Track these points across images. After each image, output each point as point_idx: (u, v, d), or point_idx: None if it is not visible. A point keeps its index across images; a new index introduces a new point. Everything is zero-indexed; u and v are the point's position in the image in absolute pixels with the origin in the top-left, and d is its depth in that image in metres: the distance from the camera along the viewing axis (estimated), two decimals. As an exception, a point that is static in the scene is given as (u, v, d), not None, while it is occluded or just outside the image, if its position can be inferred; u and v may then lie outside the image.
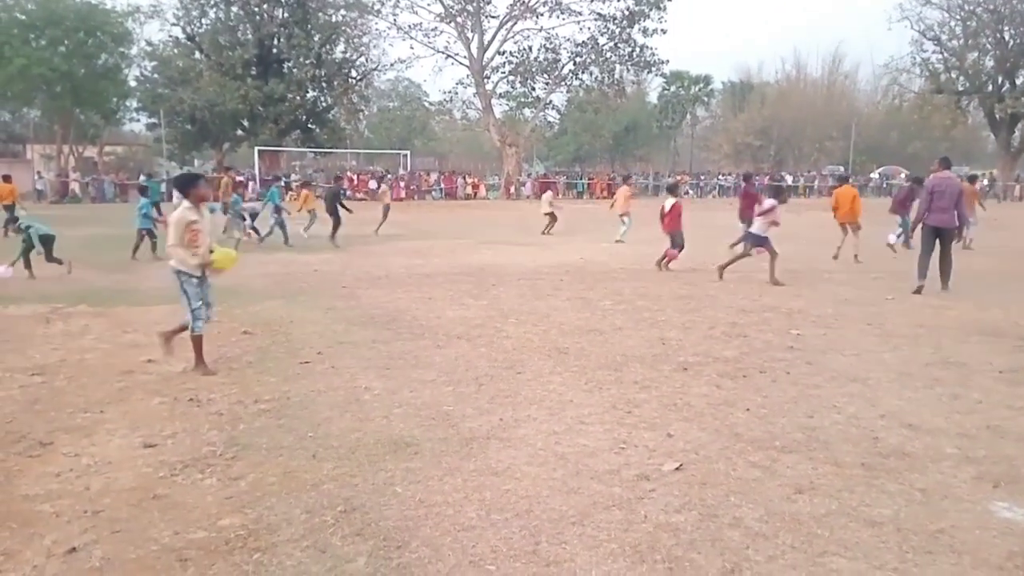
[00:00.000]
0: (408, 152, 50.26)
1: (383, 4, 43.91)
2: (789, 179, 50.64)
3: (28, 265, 11.65)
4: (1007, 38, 49.87)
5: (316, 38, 44.51)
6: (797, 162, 60.94)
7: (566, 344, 7.10)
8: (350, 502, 3.67)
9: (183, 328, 6.22)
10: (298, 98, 44.18)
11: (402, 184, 41.24)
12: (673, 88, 68.10)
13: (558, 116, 58.86)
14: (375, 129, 64.75)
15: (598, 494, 3.77)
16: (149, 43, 44.51)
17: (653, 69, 47.63)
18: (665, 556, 3.16)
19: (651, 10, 43.95)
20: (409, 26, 44.83)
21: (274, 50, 44.47)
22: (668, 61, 47.11)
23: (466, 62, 45.76)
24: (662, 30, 44.57)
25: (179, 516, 3.56)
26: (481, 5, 44.47)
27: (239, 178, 23.75)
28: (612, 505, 3.64)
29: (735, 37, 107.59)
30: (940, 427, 4.81)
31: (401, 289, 10.45)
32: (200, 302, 6.06)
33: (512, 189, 44.72)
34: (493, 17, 45.37)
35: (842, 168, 54.36)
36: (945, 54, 52.48)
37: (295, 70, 44.14)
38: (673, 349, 6.96)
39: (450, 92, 48.17)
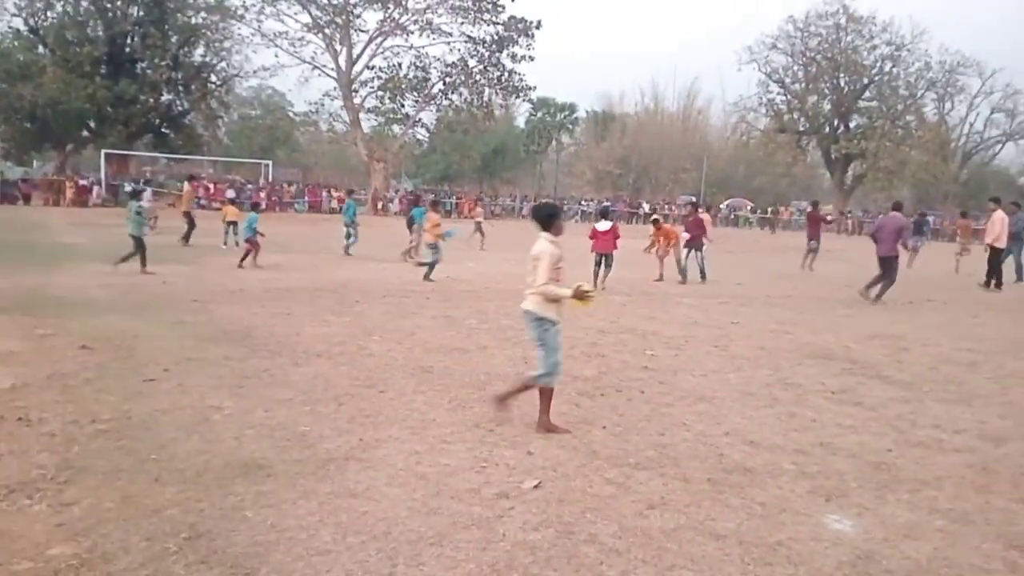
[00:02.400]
0: (270, 162, 48.66)
1: (247, 9, 42.45)
2: (646, 207, 52.92)
3: None
4: (842, 84, 54.60)
5: (174, 39, 42.42)
6: (654, 191, 63.77)
7: (430, 362, 7.06)
8: (195, 528, 3.48)
9: (527, 387, 5.34)
10: (151, 100, 41.85)
11: (262, 195, 39.84)
12: (540, 114, 69.75)
13: (427, 134, 58.85)
14: (235, 137, 62.29)
15: (457, 514, 3.76)
16: (-15, 33, 40.97)
17: (521, 94, 48.59)
18: (522, 574, 3.19)
19: (520, 37, 44.90)
20: (274, 34, 43.53)
21: (127, 49, 41.95)
22: (535, 87, 48.25)
23: (334, 74, 44.97)
24: (530, 57, 45.62)
25: (2, 546, 3.25)
26: (350, 19, 43.92)
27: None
28: (471, 524, 3.64)
29: (598, 66, 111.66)
30: (778, 444, 5.14)
31: (258, 304, 10.06)
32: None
33: (380, 205, 44.20)
34: (363, 31, 44.92)
35: (694, 198, 57.46)
36: (788, 96, 56.77)
37: (149, 71, 41.81)
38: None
39: (317, 104, 47.16)
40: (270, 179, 45.39)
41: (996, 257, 16.43)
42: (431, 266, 13.89)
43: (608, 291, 12.79)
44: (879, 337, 9.59)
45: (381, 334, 8.36)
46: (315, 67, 44.78)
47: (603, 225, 14.02)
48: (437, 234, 14.17)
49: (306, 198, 43.72)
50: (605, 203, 21.88)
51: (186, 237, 18.47)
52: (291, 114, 58.49)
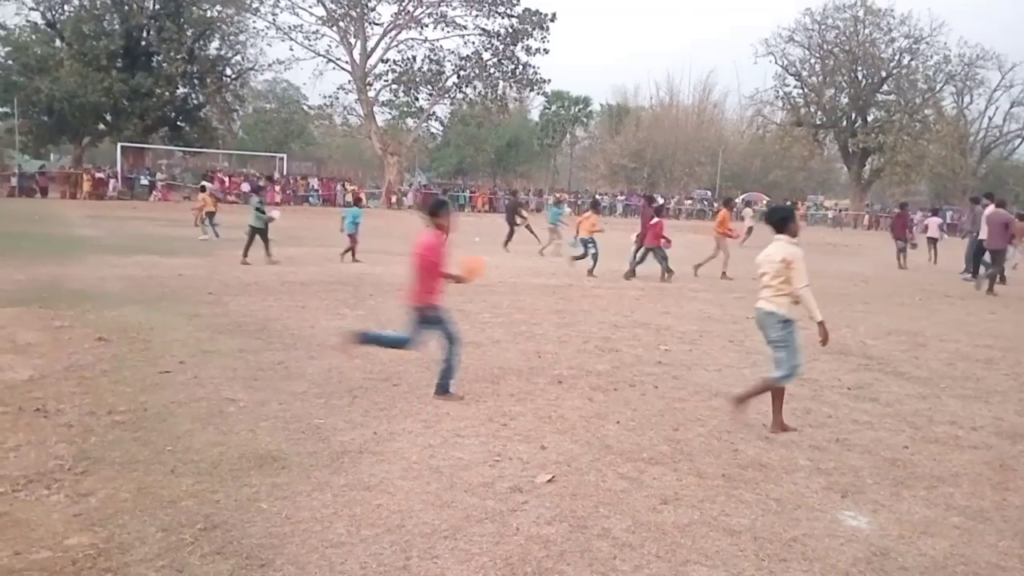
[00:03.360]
0: (284, 155, 48.85)
1: (262, 3, 42.60)
2: (661, 200, 52.74)
3: None
4: (860, 78, 54.03)
5: (189, 32, 42.59)
6: (668, 185, 63.51)
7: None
8: (211, 519, 3.50)
9: (767, 388, 5.39)
10: (167, 94, 42.03)
11: (277, 188, 40.02)
12: (554, 107, 69.55)
13: (441, 128, 58.96)
14: (250, 130, 62.56)
15: (471, 507, 3.76)
16: (3, 27, 41.24)
17: (535, 87, 48.50)
18: (536, 568, 3.19)
19: (534, 30, 44.79)
20: (289, 27, 43.69)
21: (143, 42, 42.19)
22: (550, 80, 48.14)
23: (348, 67, 45.05)
24: (544, 50, 45.51)
25: (21, 535, 3.28)
26: (365, 12, 43.96)
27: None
28: (485, 518, 3.65)
29: (613, 60, 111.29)
30: (793, 439, 5.11)
31: (272, 297, 10.11)
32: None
33: (393, 198, 44.29)
34: (377, 24, 45.00)
35: (709, 192, 57.22)
36: (805, 89, 56.25)
37: (165, 64, 41.99)
38: (548, 362, 7.07)
39: (331, 97, 47.30)
40: (285, 172, 45.54)
41: (978, 250, 16.50)
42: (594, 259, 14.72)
43: (621, 287, 12.74)
44: (896, 333, 9.52)
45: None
46: (329, 60, 44.95)
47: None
48: (592, 231, 14.95)
49: (318, 191, 43.81)
50: (652, 195, 22.94)
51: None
52: (305, 107, 58.69)
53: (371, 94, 46.01)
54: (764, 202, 55.50)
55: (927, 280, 16.75)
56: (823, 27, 53.50)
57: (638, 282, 13.77)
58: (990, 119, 64.41)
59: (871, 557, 3.45)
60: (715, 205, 54.14)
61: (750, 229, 25.07)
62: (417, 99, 48.23)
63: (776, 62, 55.03)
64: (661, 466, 4.49)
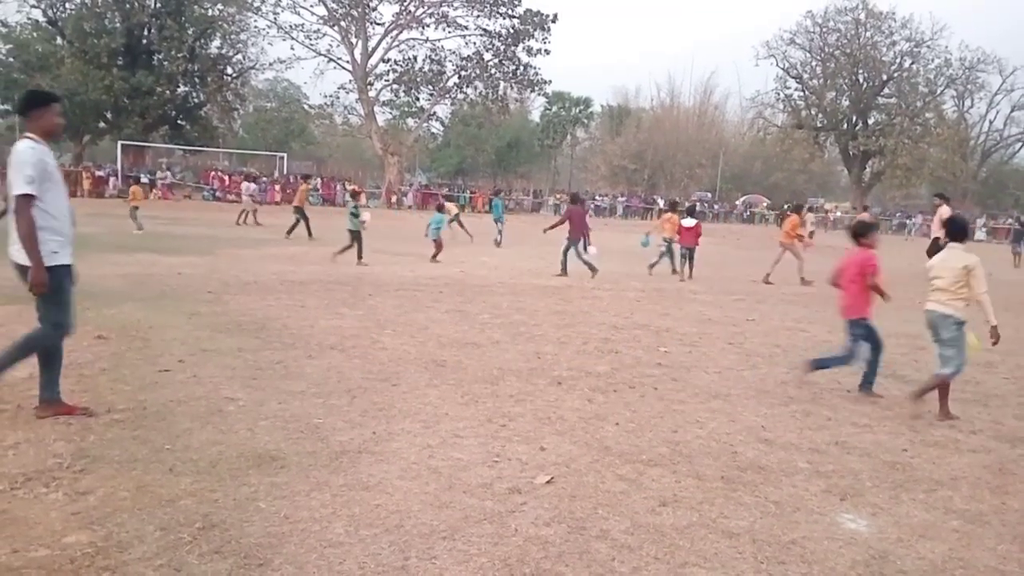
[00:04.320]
0: (285, 155, 48.85)
1: (263, 1, 42.62)
2: (661, 203, 52.74)
3: None
4: (861, 80, 54.06)
5: (190, 31, 42.61)
6: (669, 186, 63.52)
7: (443, 357, 7.07)
8: (209, 518, 3.49)
9: (938, 383, 5.92)
10: (168, 92, 42.06)
11: (276, 188, 40.03)
12: (555, 108, 69.55)
13: (442, 128, 58.97)
14: (250, 129, 62.57)
15: (470, 508, 3.76)
16: (5, 24, 41.28)
17: (536, 88, 48.53)
18: (534, 569, 3.19)
19: (535, 30, 44.81)
20: (290, 26, 43.72)
21: (144, 40, 42.21)
22: (551, 81, 48.17)
23: (349, 67, 45.07)
24: (545, 50, 45.53)
25: (19, 533, 3.27)
26: (366, 11, 43.99)
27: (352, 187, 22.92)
28: (483, 519, 3.64)
29: (614, 61, 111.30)
30: (793, 442, 5.11)
31: (272, 296, 10.11)
32: None
33: (393, 198, 44.31)
34: (378, 24, 45.03)
35: (709, 195, 57.20)
36: (806, 92, 56.28)
37: (166, 63, 42.02)
38: (548, 363, 7.06)
39: (331, 96, 47.33)
40: (285, 171, 45.53)
41: (934, 248, 16.62)
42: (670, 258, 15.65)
43: (621, 287, 12.77)
44: (895, 336, 9.50)
45: (394, 327, 8.37)
46: (331, 60, 44.98)
47: (689, 222, 15.54)
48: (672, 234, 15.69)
49: (319, 190, 43.80)
50: (694, 201, 23.65)
51: (307, 231, 20.04)
52: (306, 107, 58.66)
53: (372, 94, 46.05)
54: (764, 204, 55.61)
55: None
56: (824, 30, 53.54)
57: (637, 283, 13.77)
58: (991, 123, 64.60)
59: (870, 560, 3.45)
60: (712, 206, 54.16)
61: (811, 234, 25.33)
62: (418, 99, 48.29)
63: (777, 64, 55.13)
64: (660, 468, 4.49)
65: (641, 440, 4.98)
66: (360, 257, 14.72)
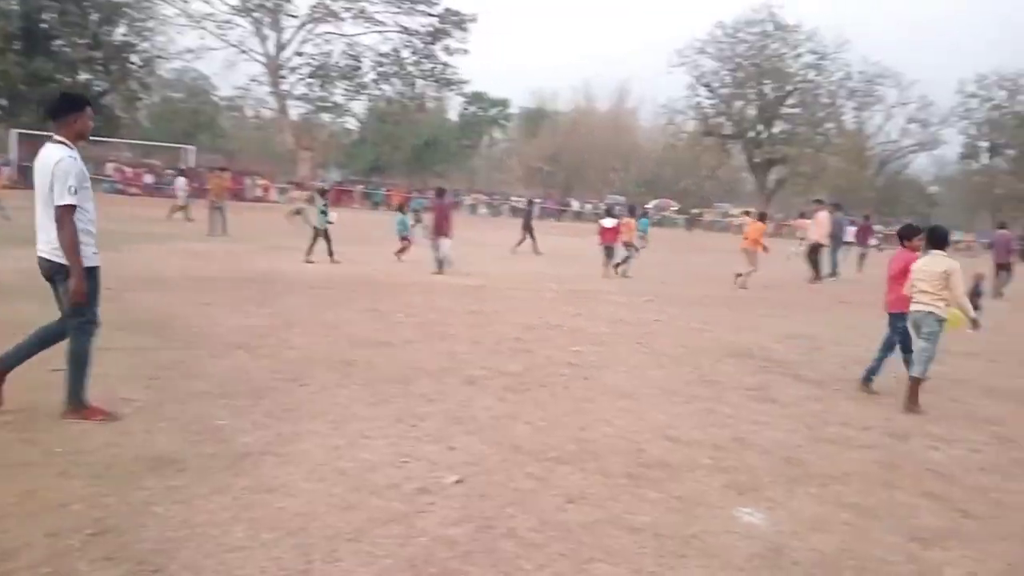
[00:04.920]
0: (193, 147, 47.17)
1: (172, -12, 41.14)
2: (575, 205, 53.47)
3: None
4: (767, 90, 56.21)
5: (94, 17, 40.73)
6: (583, 189, 64.36)
7: (354, 356, 6.96)
8: (101, 523, 3.34)
9: (919, 381, 6.52)
10: (68, 80, 40.03)
11: (185, 181, 38.59)
12: (473, 108, 69.49)
13: (357, 124, 58.08)
14: (156, 120, 60.03)
15: (377, 509, 3.71)
16: None
17: (454, 87, 48.61)
18: (440, 569, 3.17)
19: (454, 29, 44.76)
20: (200, 15, 42.30)
21: (43, 25, 40.02)
22: (469, 81, 48.25)
23: (262, 59, 43.98)
24: (464, 50, 45.58)
25: None
26: (280, 3, 42.97)
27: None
28: (390, 520, 3.60)
29: (532, 64, 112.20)
30: (696, 439, 5.25)
31: (176, 293, 9.73)
32: None
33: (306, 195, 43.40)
34: (293, 16, 44.06)
35: (623, 198, 58.28)
36: (715, 100, 58.11)
37: (67, 49, 39.98)
38: (461, 363, 7.05)
39: (243, 89, 46.05)
40: (192, 165, 43.95)
41: (817, 254, 18.30)
42: (627, 261, 16.49)
43: (537, 286, 12.89)
44: (795, 337, 9.92)
45: (304, 326, 8.20)
46: (242, 51, 43.74)
47: (609, 222, 16.53)
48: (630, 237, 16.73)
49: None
50: (611, 204, 25.24)
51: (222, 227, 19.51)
52: (216, 98, 56.82)
53: (285, 87, 45.07)
54: (672, 208, 57.04)
55: (825, 286, 17.51)
56: (734, 40, 55.44)
57: (553, 284, 13.89)
58: (887, 134, 68.11)
59: (765, 553, 3.57)
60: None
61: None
62: (333, 94, 47.46)
63: (688, 73, 56.69)
64: (568, 465, 4.54)
65: (551, 438, 5.03)
66: (331, 255, 14.83)
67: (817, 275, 18.21)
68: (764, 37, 54.79)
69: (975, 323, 6.70)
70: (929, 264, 6.56)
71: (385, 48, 45.58)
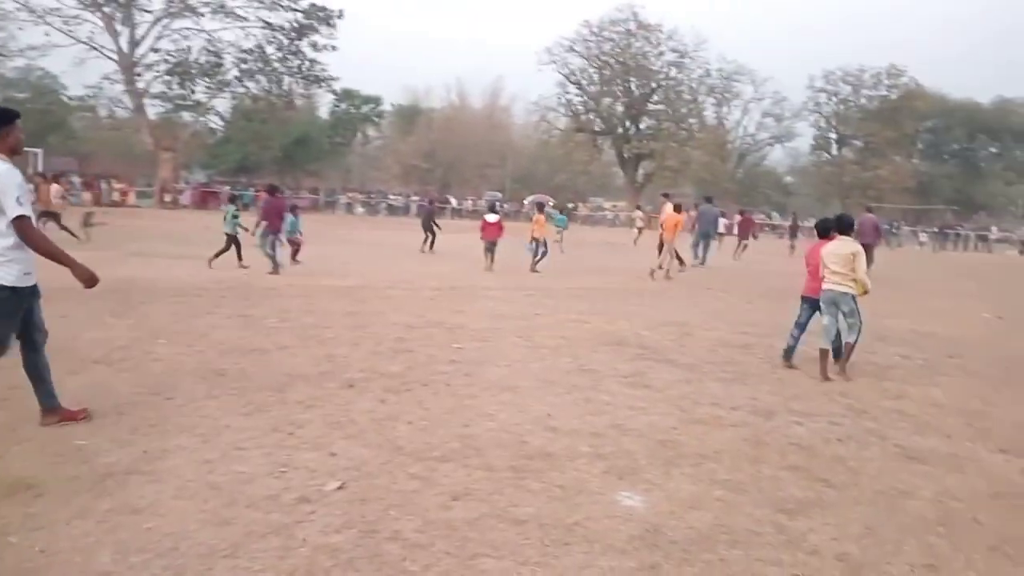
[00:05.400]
0: (40, 150, 43.84)
1: (11, -19, 38.02)
2: (454, 202, 53.45)
3: None
4: (633, 88, 58.08)
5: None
6: (461, 186, 64.46)
7: (224, 365, 6.68)
8: (-57, 562, 3.06)
9: (852, 348, 7.50)
10: None
11: (31, 187, 35.87)
12: (344, 105, 68.11)
13: (222, 123, 55.67)
14: (-2, 121, 55.45)
15: (254, 522, 3.58)
16: None
17: (323, 84, 47.41)
18: (323, 579, 3.10)
19: (321, 25, 43.68)
20: (44, 10, 39.28)
21: None
22: (338, 78, 47.24)
23: (115, 56, 41.33)
24: (332, 46, 44.55)
25: None
26: (132, -4, 40.60)
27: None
28: (269, 532, 3.48)
29: (404, 61, 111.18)
30: (576, 428, 5.37)
31: (25, 307, 9.02)
32: None
33: (167, 197, 41.27)
34: (147, 11, 41.65)
35: (499, 194, 58.81)
36: (585, 97, 59.52)
37: None
38: (340, 366, 6.90)
39: (95, 88, 43.13)
40: (40, 169, 40.89)
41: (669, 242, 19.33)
42: (543, 256, 17.30)
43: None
44: (666, 324, 10.31)
45: (169, 336, 7.79)
46: (93, 48, 40.95)
47: (492, 217, 17.16)
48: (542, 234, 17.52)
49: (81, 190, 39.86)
50: (492, 201, 28.11)
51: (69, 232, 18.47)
52: (65, 98, 52.99)
53: (141, 85, 42.56)
54: (551, 203, 58.01)
55: (694, 274, 18.30)
56: (600, 39, 56.91)
57: (432, 282, 13.83)
58: (745, 128, 72.09)
59: (644, 534, 3.70)
60: (502, 205, 55.72)
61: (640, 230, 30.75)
62: (194, 92, 45.22)
63: (558, 70, 57.80)
64: (452, 463, 4.53)
65: (433, 437, 5.01)
66: (240, 259, 14.58)
67: (661, 265, 19.10)
68: (628, 36, 56.52)
69: (865, 292, 7.44)
70: (839, 248, 7.43)
71: (248, 44, 43.92)
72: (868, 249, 20.12)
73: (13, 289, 4.42)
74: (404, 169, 64.12)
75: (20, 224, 4.35)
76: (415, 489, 4.10)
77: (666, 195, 22.00)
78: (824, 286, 7.48)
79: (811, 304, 7.91)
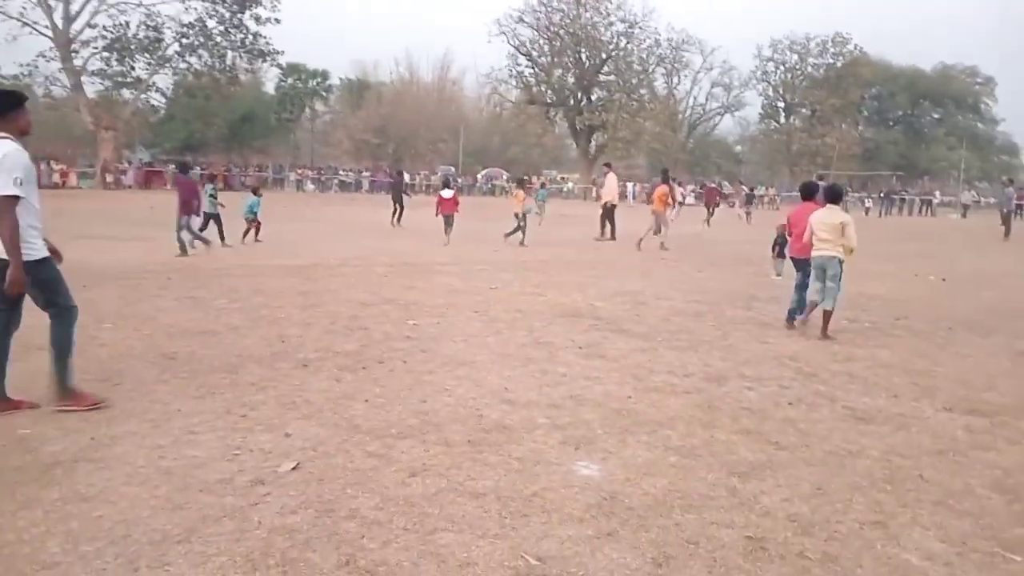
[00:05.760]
0: (-28, 132, 42.13)
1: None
2: (407, 177, 52.87)
3: None
4: (584, 59, 57.99)
5: None
6: (413, 161, 63.84)
7: (174, 348, 6.54)
8: None
9: (829, 314, 7.94)
10: None
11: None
12: (290, 80, 66.73)
13: (164, 100, 54.14)
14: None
15: (208, 506, 3.52)
16: None
17: (267, 59, 46.32)
18: (280, 560, 3.06)
19: (263, -3, 42.58)
20: (-30, -16, 37.54)
21: None
22: (283, 52, 46.20)
23: (49, 33, 39.77)
24: (275, 19, 43.51)
25: None
26: (64, -31, 39.02)
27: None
28: (223, 516, 3.43)
29: (351, 33, 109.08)
30: (533, 400, 5.39)
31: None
32: None
33: (110, 178, 40.09)
34: (81, -16, 40.09)
35: (453, 169, 58.45)
36: (536, 69, 59.26)
37: None
38: (293, 346, 6.81)
39: (29, 66, 41.46)
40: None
41: (611, 214, 19.87)
42: (523, 231, 17.50)
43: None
44: (620, 295, 10.39)
45: (115, 320, 7.60)
46: (25, 24, 39.32)
47: (447, 192, 17.85)
48: (522, 209, 17.73)
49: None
50: (447, 176, 30.19)
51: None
52: (-2, 78, 50.98)
53: (78, 63, 41.08)
54: (504, 178, 57.88)
55: (646, 245, 18.46)
56: (549, 9, 56.64)
57: (384, 258, 13.72)
58: (695, 98, 72.61)
59: (602, 502, 3.74)
60: (456, 180, 55.39)
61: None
62: (133, 68, 43.82)
63: (508, 42, 57.38)
64: (409, 439, 4.51)
65: (391, 414, 4.98)
66: (223, 239, 14.86)
67: (603, 233, 19.67)
68: (577, 6, 56.35)
69: (850, 255, 8.00)
70: (828, 216, 7.96)
71: (189, 18, 42.61)
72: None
73: (42, 260, 4.76)
74: (355, 145, 63.22)
75: (3, 203, 4.39)
76: (373, 467, 4.07)
77: (608, 165, 22.89)
78: (814, 252, 8.03)
79: (800, 265, 8.51)
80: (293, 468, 4.01)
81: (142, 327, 7.35)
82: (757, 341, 7.71)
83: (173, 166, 28.51)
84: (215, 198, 15.26)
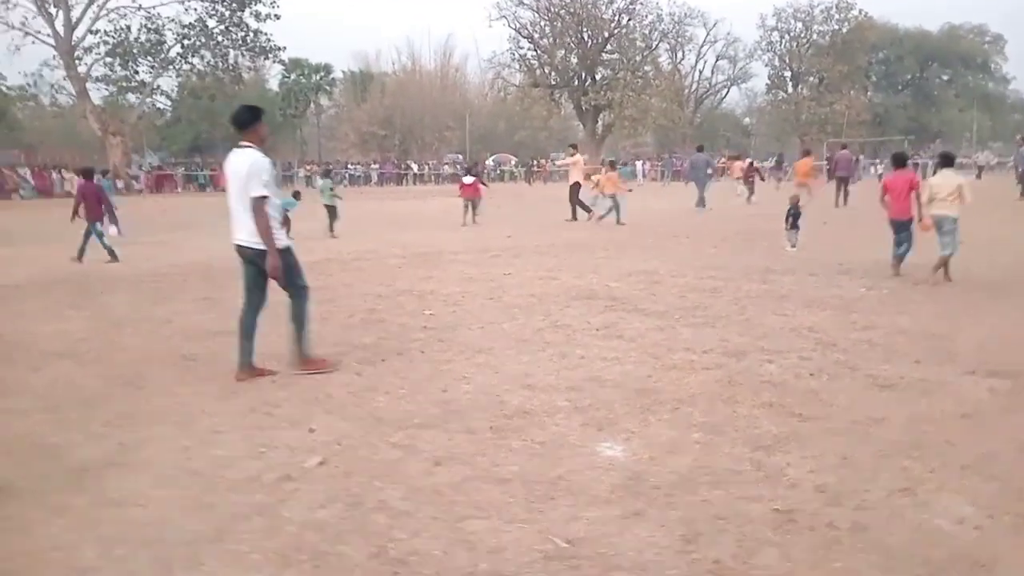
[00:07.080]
0: (-18, 144, 42.50)
1: (-70, -34, 36.34)
2: (415, 168, 52.90)
3: None
4: (586, 38, 57.48)
5: None
6: (421, 151, 63.78)
7: (194, 350, 6.59)
8: (-78, 571, 3.00)
9: (944, 262, 9.18)
10: None
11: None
12: (293, 76, 66.74)
13: (169, 103, 54.29)
14: (-66, 116, 53.52)
15: (237, 505, 3.55)
16: None
17: (269, 55, 46.27)
18: (311, 554, 3.09)
19: (261, -6, 42.48)
20: (-30, -4, 37.68)
21: None
22: (285, 48, 46.14)
23: (51, 41, 39.89)
24: (275, 15, 43.41)
25: None
26: (63, -23, 39.04)
27: None
28: (253, 513, 3.46)
29: (351, 25, 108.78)
30: (553, 384, 5.39)
31: (-18, 307, 8.81)
32: None
33: (120, 183, 40.28)
34: (78, -9, 40.12)
35: (461, 156, 58.33)
36: (538, 51, 58.80)
37: None
38: (312, 342, 6.81)
39: (34, 75, 41.70)
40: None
41: (576, 194, 20.15)
42: (617, 211, 18.21)
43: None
44: (634, 274, 10.35)
45: (133, 325, 7.66)
46: (27, 33, 39.45)
47: (468, 179, 19.74)
48: (616, 189, 18.57)
49: (31, 182, 38.80)
50: (470, 165, 30.68)
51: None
52: (3, 88, 51.23)
53: (82, 69, 41.21)
54: (512, 163, 57.74)
55: (658, 222, 18.39)
56: (548, -10, 56.02)
57: (397, 250, 13.73)
58: (700, 72, 71.96)
59: (627, 482, 3.74)
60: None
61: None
62: (137, 72, 43.92)
63: (509, 25, 56.96)
64: (432, 429, 4.53)
65: (412, 405, 5.00)
66: (332, 230, 16.10)
67: (574, 216, 19.80)
68: (576, -16, 55.76)
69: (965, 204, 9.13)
70: (946, 180, 9.13)
71: (189, 19, 42.60)
72: (845, 182, 23.29)
73: (287, 248, 5.51)
74: (361, 137, 63.20)
75: (259, 202, 5.20)
76: (398, 458, 4.10)
77: (574, 146, 23.27)
78: (932, 211, 9.11)
79: (898, 226, 9.57)
80: (319, 463, 4.03)
81: (160, 330, 7.41)
82: (774, 314, 7.67)
83: (74, 172, 28.69)
84: (333, 191, 16.91)
